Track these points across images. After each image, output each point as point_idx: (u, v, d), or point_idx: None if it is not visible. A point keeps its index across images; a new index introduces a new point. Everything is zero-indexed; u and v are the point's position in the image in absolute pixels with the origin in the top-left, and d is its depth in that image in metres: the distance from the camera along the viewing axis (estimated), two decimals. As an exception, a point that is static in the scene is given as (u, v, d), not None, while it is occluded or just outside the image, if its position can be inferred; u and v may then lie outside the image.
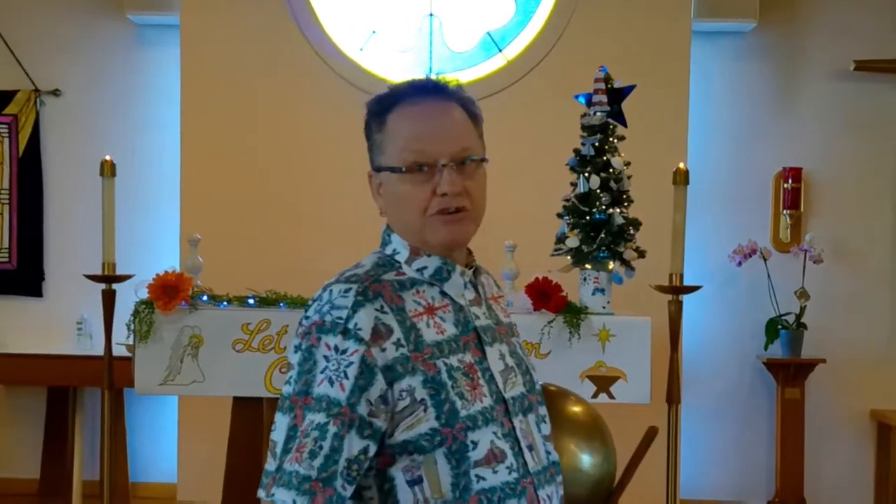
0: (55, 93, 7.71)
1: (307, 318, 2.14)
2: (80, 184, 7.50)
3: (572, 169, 5.12)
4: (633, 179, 5.11)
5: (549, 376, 4.83)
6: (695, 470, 7.22)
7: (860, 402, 7.38)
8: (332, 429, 2.03)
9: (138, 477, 7.59)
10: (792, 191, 7.20)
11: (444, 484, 2.08)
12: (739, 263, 6.90)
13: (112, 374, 4.95)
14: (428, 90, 2.24)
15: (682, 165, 4.84)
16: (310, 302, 2.18)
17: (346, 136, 7.07)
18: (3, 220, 7.72)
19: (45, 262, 7.72)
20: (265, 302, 4.94)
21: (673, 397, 4.84)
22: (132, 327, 4.86)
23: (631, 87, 5.13)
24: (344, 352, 2.06)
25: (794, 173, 7.21)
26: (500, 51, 7.17)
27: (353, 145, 7.33)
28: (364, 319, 2.08)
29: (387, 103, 2.24)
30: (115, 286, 4.96)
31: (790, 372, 7.04)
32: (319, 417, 2.04)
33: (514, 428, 2.17)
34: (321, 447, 2.03)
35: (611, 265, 4.98)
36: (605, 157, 5.03)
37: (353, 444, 2.04)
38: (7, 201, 7.70)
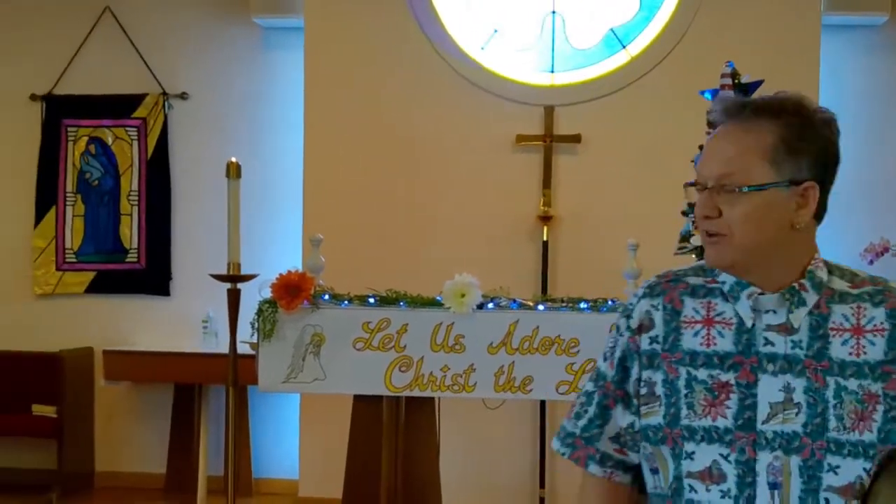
0: (182, 96, 7.87)
1: None
2: (206, 185, 7.64)
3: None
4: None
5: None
6: None
7: None
8: (596, 398, 2.29)
9: (261, 473, 7.69)
10: (926, 188, 6.96)
11: (668, 479, 2.19)
12: (871, 262, 6.68)
13: (237, 372, 5.01)
14: (728, 112, 2.19)
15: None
16: None
17: (467, 136, 7.12)
18: (133, 221, 7.90)
19: (172, 262, 7.88)
20: (385, 301, 4.95)
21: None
22: (256, 326, 4.92)
23: (758, 83, 5.01)
24: (620, 334, 2.28)
25: (930, 170, 6.97)
26: (624, 47, 7.08)
27: (473, 144, 7.35)
28: (640, 310, 2.26)
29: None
30: (239, 285, 5.02)
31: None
32: (590, 386, 2.32)
33: (755, 459, 2.13)
34: (586, 411, 2.30)
35: (736, 264, 4.86)
36: (731, 154, 4.91)
37: (617, 417, 2.26)
38: (136, 203, 7.88)
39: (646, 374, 2.22)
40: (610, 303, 4.91)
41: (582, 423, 2.31)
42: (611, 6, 7.12)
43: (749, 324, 2.17)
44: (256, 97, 7.80)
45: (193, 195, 7.83)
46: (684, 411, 2.16)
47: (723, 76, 4.99)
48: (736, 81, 4.99)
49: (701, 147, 4.93)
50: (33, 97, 7.94)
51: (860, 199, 7.04)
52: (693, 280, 2.26)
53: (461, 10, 7.18)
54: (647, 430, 2.21)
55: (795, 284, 2.16)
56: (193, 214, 7.83)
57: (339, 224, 6.92)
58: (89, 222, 7.93)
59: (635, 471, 2.30)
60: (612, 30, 7.11)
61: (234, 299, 4.99)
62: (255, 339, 4.97)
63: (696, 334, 2.19)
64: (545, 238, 6.97)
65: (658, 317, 2.23)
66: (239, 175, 5.01)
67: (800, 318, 2.16)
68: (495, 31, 7.17)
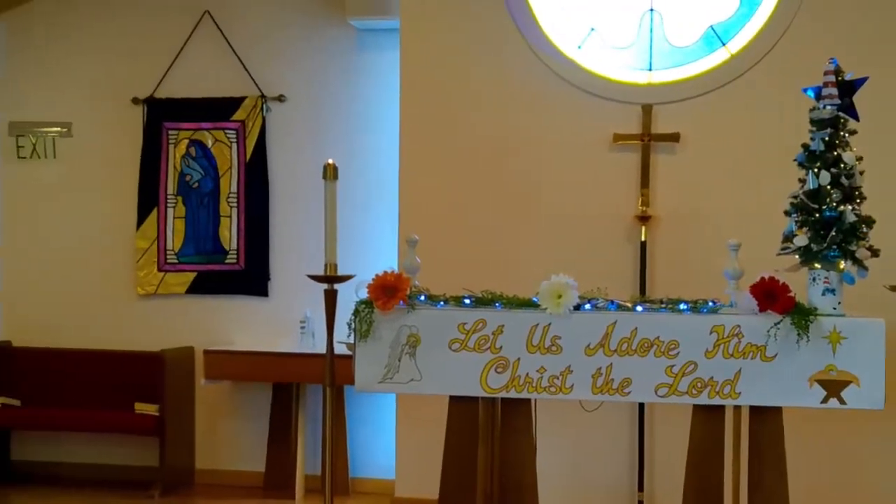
0: (280, 98, 7.94)
1: None
2: (303, 186, 7.72)
3: (801, 165, 4.91)
4: (866, 175, 4.86)
5: (776, 379, 4.65)
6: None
7: None
8: None
9: (357, 472, 7.74)
10: None
11: None
12: None
13: (333, 372, 5.04)
14: None
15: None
16: None
17: (564, 135, 7.06)
18: (232, 222, 8.00)
19: (270, 262, 7.96)
20: (481, 302, 4.93)
21: (911, 404, 4.57)
22: (353, 326, 4.93)
23: (863, 80, 4.88)
24: None
25: None
26: (724, 44, 6.96)
27: (570, 144, 7.30)
28: None
29: None
30: (336, 286, 5.04)
31: None
32: None
33: None
34: None
35: (842, 264, 4.75)
36: (835, 153, 4.80)
37: None
38: (235, 204, 7.98)
39: None
40: (710, 304, 4.83)
41: None
42: (710, 3, 7.01)
43: None
44: (352, 99, 7.85)
45: (290, 196, 7.91)
46: None
47: (826, 73, 4.87)
48: (840, 79, 4.87)
49: (804, 146, 4.84)
50: (135, 101, 8.09)
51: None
52: None
53: (557, 10, 7.13)
54: None
55: None
56: (291, 216, 7.91)
57: (434, 224, 6.93)
58: (190, 224, 8.05)
59: None
60: (711, 27, 7.00)
61: (330, 300, 5.02)
62: (351, 340, 4.98)
63: None
64: (643, 238, 6.88)
65: None
66: (336, 176, 5.03)
67: None
68: (592, 29, 7.10)
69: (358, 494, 7.66)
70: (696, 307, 4.80)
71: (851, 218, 4.72)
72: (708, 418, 4.78)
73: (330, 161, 5.06)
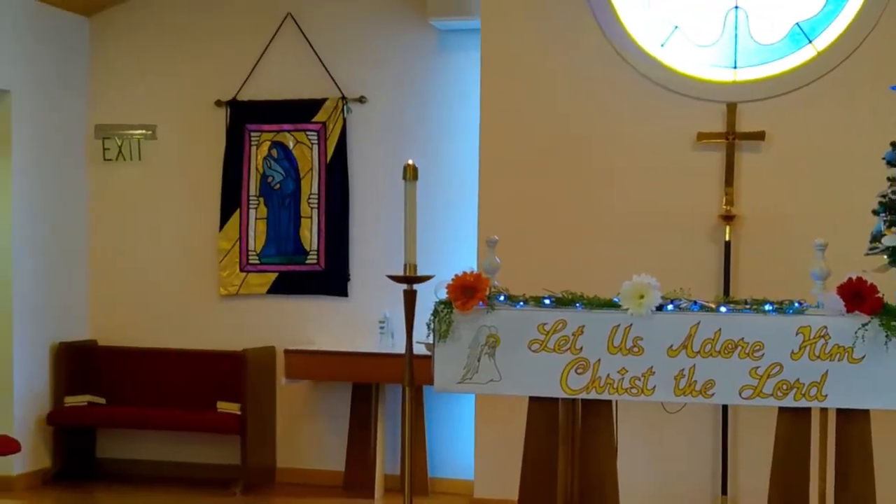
0: (360, 100, 7.97)
1: None
2: (383, 187, 7.74)
3: (889, 163, 4.80)
4: (957, 174, 4.75)
5: (864, 382, 4.55)
6: None
7: None
8: None
9: (436, 472, 7.73)
10: None
11: None
12: None
13: (413, 372, 5.03)
14: None
15: None
16: None
17: (646, 134, 6.99)
18: (312, 223, 8.04)
19: (350, 263, 7.99)
20: (561, 302, 4.89)
21: None
22: (432, 326, 4.92)
23: (954, 75, 4.77)
24: None
25: None
26: (810, 41, 6.84)
27: (653, 142, 7.23)
28: None
29: None
30: (415, 286, 5.03)
31: None
32: None
33: None
34: None
35: (932, 265, 4.64)
36: (925, 151, 4.70)
37: None
38: (316, 205, 8.02)
39: None
40: (796, 305, 4.73)
41: None
42: (796, 0, 6.89)
43: None
44: (432, 99, 7.85)
45: (370, 197, 7.93)
46: None
47: (916, 68, 4.76)
48: (931, 74, 4.75)
49: (893, 144, 4.73)
50: (218, 103, 8.18)
51: None
52: None
53: (640, 8, 7.06)
54: None
55: None
56: (370, 216, 7.93)
57: (514, 225, 6.90)
58: (271, 225, 8.11)
59: None
60: (797, 24, 6.88)
61: (410, 300, 5.01)
62: (430, 340, 4.97)
63: None
64: (727, 238, 6.79)
65: None
66: (415, 177, 5.02)
67: None
68: (675, 27, 7.02)
69: (437, 494, 7.65)
70: (782, 308, 4.71)
71: (942, 217, 4.61)
72: (794, 420, 4.70)
73: (410, 161, 5.06)
